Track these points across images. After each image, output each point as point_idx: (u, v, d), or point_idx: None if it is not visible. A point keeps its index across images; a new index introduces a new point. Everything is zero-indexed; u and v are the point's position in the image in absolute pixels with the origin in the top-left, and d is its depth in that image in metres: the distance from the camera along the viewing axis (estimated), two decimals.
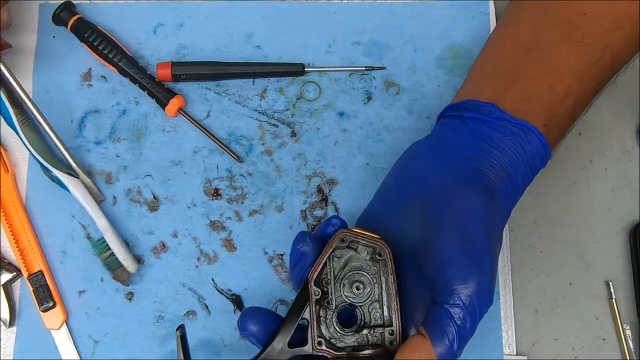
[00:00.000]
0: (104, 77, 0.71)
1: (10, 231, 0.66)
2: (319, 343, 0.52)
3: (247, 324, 0.54)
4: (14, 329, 0.66)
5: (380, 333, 0.53)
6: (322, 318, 0.52)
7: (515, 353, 0.65)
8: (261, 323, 0.54)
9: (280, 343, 0.52)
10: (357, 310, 0.53)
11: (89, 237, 0.67)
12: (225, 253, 0.67)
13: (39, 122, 0.66)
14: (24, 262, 0.66)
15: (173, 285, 0.66)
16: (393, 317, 0.53)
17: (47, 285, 0.65)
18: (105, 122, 0.70)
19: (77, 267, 0.67)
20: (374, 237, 0.53)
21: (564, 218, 0.68)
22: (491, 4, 0.72)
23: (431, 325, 0.50)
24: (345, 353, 0.52)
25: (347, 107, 0.70)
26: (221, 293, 0.66)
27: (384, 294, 0.53)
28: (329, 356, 0.52)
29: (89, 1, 0.73)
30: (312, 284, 0.52)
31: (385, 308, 0.53)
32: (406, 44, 0.72)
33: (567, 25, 0.58)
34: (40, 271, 0.66)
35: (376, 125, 0.70)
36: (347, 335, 0.52)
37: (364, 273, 0.53)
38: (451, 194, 0.52)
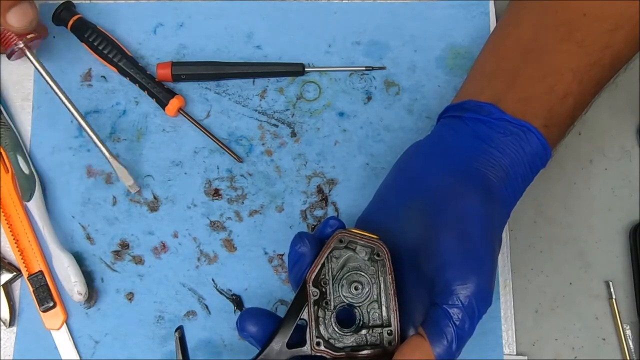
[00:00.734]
0: (104, 77, 0.71)
1: (10, 231, 0.66)
2: (318, 343, 0.52)
3: (245, 325, 0.54)
4: (14, 329, 0.66)
5: (379, 333, 0.53)
6: (320, 318, 0.53)
7: (515, 353, 0.65)
8: (260, 324, 0.54)
9: (278, 344, 0.52)
10: (356, 311, 0.53)
11: (88, 237, 0.67)
12: (225, 253, 0.67)
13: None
14: (24, 262, 0.66)
15: (173, 285, 0.66)
16: (392, 317, 0.53)
17: (47, 285, 0.65)
18: (105, 122, 0.70)
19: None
20: (372, 237, 0.53)
21: (564, 218, 0.68)
22: (491, 4, 0.72)
23: (430, 325, 0.50)
24: (344, 353, 0.52)
25: (347, 107, 0.70)
26: (221, 293, 0.66)
27: (383, 294, 0.53)
28: (327, 356, 0.52)
29: (89, 1, 0.73)
30: (310, 284, 0.53)
31: (383, 308, 0.53)
32: (406, 44, 0.72)
33: (567, 26, 0.58)
34: (40, 271, 0.66)
35: (376, 125, 0.70)
36: (346, 335, 0.52)
37: (363, 273, 0.53)
38: (451, 194, 0.53)
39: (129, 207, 0.68)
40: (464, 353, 0.62)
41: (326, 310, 0.53)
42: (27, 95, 0.71)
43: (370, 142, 0.69)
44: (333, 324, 0.52)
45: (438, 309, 0.50)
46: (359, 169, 0.69)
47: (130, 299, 0.66)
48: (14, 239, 0.66)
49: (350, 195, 0.68)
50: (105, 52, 0.69)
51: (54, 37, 0.72)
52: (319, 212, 0.68)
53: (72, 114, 0.65)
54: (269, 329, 0.53)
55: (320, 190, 0.68)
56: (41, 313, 0.65)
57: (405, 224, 0.55)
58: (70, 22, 0.70)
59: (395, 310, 0.53)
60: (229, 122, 0.70)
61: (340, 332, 0.52)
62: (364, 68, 0.71)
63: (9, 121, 0.69)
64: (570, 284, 0.67)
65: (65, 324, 0.65)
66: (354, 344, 0.53)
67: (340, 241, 0.53)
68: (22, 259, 0.66)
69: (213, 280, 0.66)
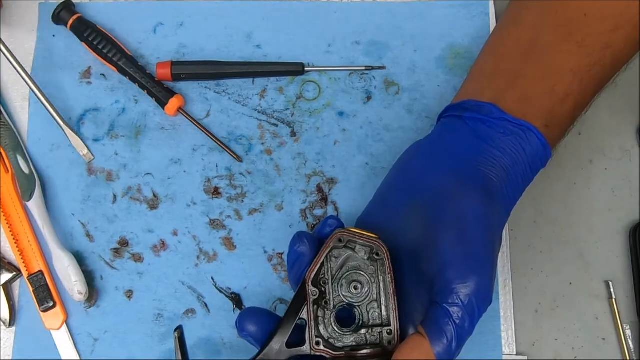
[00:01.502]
0: (103, 75, 0.71)
1: (10, 231, 0.66)
2: (317, 343, 0.52)
3: (245, 325, 0.54)
4: (13, 328, 0.66)
5: (379, 332, 0.53)
6: (320, 318, 0.52)
7: (515, 353, 0.64)
8: (259, 323, 0.54)
9: (278, 343, 0.52)
10: (356, 310, 0.53)
11: (88, 235, 0.67)
12: (224, 252, 0.67)
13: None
14: (24, 262, 0.66)
15: (172, 283, 0.66)
16: (391, 316, 0.53)
17: (47, 285, 0.65)
18: (104, 120, 0.70)
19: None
20: (372, 237, 0.53)
21: (564, 218, 0.68)
22: (491, 4, 0.72)
23: (430, 324, 0.50)
24: (343, 353, 0.52)
25: (346, 107, 0.70)
26: (221, 292, 0.66)
27: (382, 294, 0.53)
28: (327, 356, 0.52)
29: (88, 0, 0.73)
30: (310, 284, 0.52)
31: (383, 307, 0.53)
32: (406, 44, 0.72)
33: (568, 26, 0.58)
34: (40, 271, 0.65)
35: (376, 125, 0.70)
36: (346, 335, 0.52)
37: (362, 273, 0.53)
38: (451, 194, 0.52)
39: (128, 205, 0.68)
40: (464, 353, 0.62)
41: (325, 309, 0.53)
42: (26, 95, 0.71)
43: (370, 141, 0.69)
44: (333, 324, 0.52)
45: (438, 308, 0.50)
46: (358, 168, 0.69)
47: (129, 297, 0.66)
48: (13, 238, 0.66)
49: (350, 195, 0.68)
50: (105, 51, 0.69)
51: (53, 36, 0.72)
52: (318, 212, 0.68)
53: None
54: (269, 329, 0.53)
55: (320, 189, 0.68)
56: (41, 313, 0.65)
57: (405, 223, 0.55)
58: (70, 22, 0.70)
59: (395, 310, 0.53)
60: (228, 122, 0.70)
61: (339, 332, 0.52)
62: (363, 68, 0.71)
63: (9, 121, 0.69)
64: (570, 284, 0.66)
65: (65, 324, 0.65)
66: (354, 343, 0.52)
67: (340, 240, 0.53)
68: (22, 258, 0.66)
69: (212, 278, 0.66)
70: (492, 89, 0.58)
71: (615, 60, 0.59)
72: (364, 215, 0.60)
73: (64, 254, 0.65)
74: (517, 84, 0.57)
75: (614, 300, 0.65)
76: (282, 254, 0.67)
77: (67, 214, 0.68)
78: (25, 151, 0.68)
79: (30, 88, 0.67)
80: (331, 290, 0.53)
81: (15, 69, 0.67)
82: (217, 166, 0.68)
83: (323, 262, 0.53)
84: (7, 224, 0.66)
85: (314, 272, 0.53)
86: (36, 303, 0.65)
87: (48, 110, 0.67)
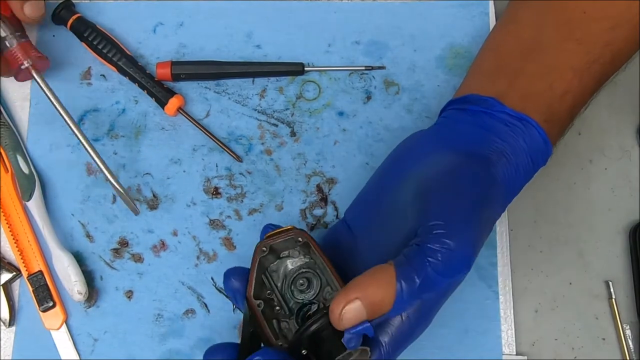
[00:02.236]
0: (103, 75, 0.71)
1: (10, 231, 0.66)
2: (280, 345, 0.51)
3: (230, 281, 0.54)
4: (13, 328, 0.66)
5: (330, 299, 0.52)
6: (285, 330, 0.52)
7: (515, 353, 0.64)
8: (245, 280, 0.53)
9: None
10: (315, 304, 0.53)
11: (88, 235, 0.67)
12: (224, 252, 0.67)
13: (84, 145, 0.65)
14: (23, 262, 0.66)
15: (172, 283, 0.66)
16: (336, 283, 0.52)
17: (46, 285, 0.65)
18: (104, 121, 0.70)
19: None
20: (287, 229, 0.53)
21: (564, 218, 0.68)
22: (491, 4, 0.72)
23: (401, 257, 0.48)
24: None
25: (346, 107, 0.70)
26: (220, 292, 0.66)
27: (327, 274, 0.53)
28: (285, 345, 0.51)
29: (88, 0, 0.73)
30: (252, 297, 0.52)
31: (333, 285, 0.53)
32: (406, 43, 0.72)
33: (567, 25, 0.58)
34: (40, 271, 0.66)
35: (376, 124, 0.70)
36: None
37: (305, 270, 0.53)
38: (451, 166, 0.52)
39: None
40: (464, 352, 0.62)
41: (287, 320, 0.52)
42: (26, 95, 0.71)
43: (370, 141, 0.69)
44: (298, 326, 0.52)
45: (414, 246, 0.48)
46: (358, 168, 0.69)
47: (129, 297, 0.66)
48: (13, 239, 0.66)
49: (350, 195, 0.67)
50: (105, 51, 0.69)
51: (53, 36, 0.72)
52: (318, 212, 0.68)
53: (78, 139, 0.64)
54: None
55: (319, 189, 0.68)
56: (41, 313, 0.65)
57: (400, 199, 0.54)
58: (70, 21, 0.70)
59: (335, 274, 0.52)
60: (228, 122, 0.70)
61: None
62: (363, 68, 0.71)
63: (9, 121, 0.69)
64: (570, 284, 0.66)
65: (64, 324, 0.65)
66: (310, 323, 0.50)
67: (263, 250, 0.53)
68: (21, 258, 0.66)
69: (212, 278, 0.66)
70: (494, 87, 0.58)
71: (615, 58, 0.59)
72: (357, 198, 0.60)
73: (64, 254, 0.65)
74: (518, 82, 0.57)
75: (614, 300, 0.65)
76: None
77: (66, 214, 0.68)
78: (25, 151, 0.68)
79: (81, 141, 0.65)
80: (282, 300, 0.53)
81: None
82: (217, 166, 0.68)
83: (262, 279, 0.53)
84: (7, 224, 0.66)
85: (252, 288, 0.52)
86: (36, 303, 0.65)
87: (98, 166, 0.65)
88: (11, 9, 0.66)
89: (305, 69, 0.70)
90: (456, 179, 0.51)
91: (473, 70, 0.63)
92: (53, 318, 0.65)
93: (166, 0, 0.73)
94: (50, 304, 0.65)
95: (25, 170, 0.67)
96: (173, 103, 0.68)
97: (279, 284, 0.53)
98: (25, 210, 0.67)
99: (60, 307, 0.65)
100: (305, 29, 0.72)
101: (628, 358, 0.64)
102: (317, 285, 0.53)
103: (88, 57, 0.71)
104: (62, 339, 0.65)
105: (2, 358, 0.65)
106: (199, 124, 0.68)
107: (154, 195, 0.68)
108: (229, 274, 0.54)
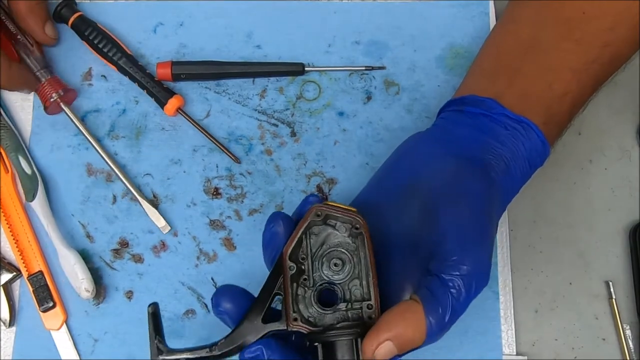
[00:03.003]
0: (104, 76, 0.71)
1: (10, 231, 0.66)
2: (295, 319, 0.50)
3: (220, 301, 0.52)
4: (13, 329, 0.66)
5: (359, 308, 0.51)
6: (300, 297, 0.51)
7: (515, 353, 0.64)
8: (235, 301, 0.52)
9: (254, 319, 0.50)
10: (337, 288, 0.51)
11: (88, 236, 0.67)
12: (224, 252, 0.67)
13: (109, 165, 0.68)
14: (23, 262, 0.66)
15: (172, 284, 0.66)
16: (371, 290, 0.51)
17: (47, 285, 0.65)
18: (105, 121, 0.70)
19: None
20: (350, 210, 0.52)
21: (564, 218, 0.68)
22: (491, 4, 0.72)
23: (425, 292, 0.49)
24: (321, 327, 0.50)
25: (346, 107, 0.70)
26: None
27: (363, 270, 0.51)
28: (304, 331, 0.50)
29: (89, 0, 0.73)
30: (287, 258, 0.51)
31: (364, 283, 0.51)
32: (406, 43, 0.72)
33: (566, 25, 0.58)
34: (40, 271, 0.65)
35: (376, 125, 0.70)
36: (327, 314, 0.51)
37: (343, 250, 0.52)
38: (453, 175, 0.53)
39: (128, 206, 0.68)
40: (464, 352, 0.62)
41: (306, 288, 0.51)
42: (26, 95, 0.71)
43: (370, 141, 0.69)
44: (314, 303, 0.51)
45: (435, 278, 0.49)
46: (358, 168, 0.69)
47: (129, 298, 0.66)
48: (13, 239, 0.66)
49: (350, 195, 0.67)
50: (105, 50, 0.69)
51: None
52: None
53: (108, 164, 0.67)
54: (244, 307, 0.52)
55: (320, 189, 0.68)
56: (41, 313, 0.65)
57: (402, 204, 0.54)
58: (71, 20, 0.70)
59: (375, 284, 0.51)
60: (228, 122, 0.70)
61: (321, 311, 0.51)
62: (363, 68, 0.71)
63: (9, 122, 0.69)
64: (570, 284, 0.66)
65: (65, 324, 0.65)
66: (334, 322, 0.51)
67: (318, 215, 0.52)
68: (22, 259, 0.66)
69: (212, 279, 0.66)
70: (493, 87, 0.58)
71: (614, 58, 0.59)
72: (357, 198, 0.60)
73: (70, 253, 0.65)
74: (517, 82, 0.57)
75: (614, 300, 0.65)
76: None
77: (67, 214, 0.68)
78: (26, 151, 0.68)
79: (111, 167, 0.68)
80: (311, 268, 0.52)
81: None
82: (217, 166, 0.68)
83: (302, 237, 0.52)
84: (7, 224, 0.66)
85: (292, 247, 0.51)
86: (36, 303, 0.65)
87: (126, 185, 0.67)
88: (29, 41, 0.68)
89: (306, 69, 0.70)
90: (462, 193, 0.52)
91: (472, 70, 0.63)
92: (53, 318, 0.65)
93: (166, 0, 0.73)
94: (51, 304, 0.65)
95: (28, 170, 0.67)
96: (172, 103, 0.68)
97: (314, 250, 0.52)
98: (26, 211, 0.67)
99: (61, 307, 0.65)
100: (305, 29, 0.72)
101: (628, 358, 0.64)
102: (348, 271, 0.52)
103: (88, 56, 0.71)
104: (62, 339, 0.65)
105: (2, 358, 0.65)
106: (197, 124, 0.68)
107: (154, 196, 0.68)
108: (220, 295, 0.53)
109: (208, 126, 0.69)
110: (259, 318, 0.50)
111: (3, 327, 0.65)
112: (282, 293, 0.51)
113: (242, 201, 0.68)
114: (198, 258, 0.67)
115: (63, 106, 0.68)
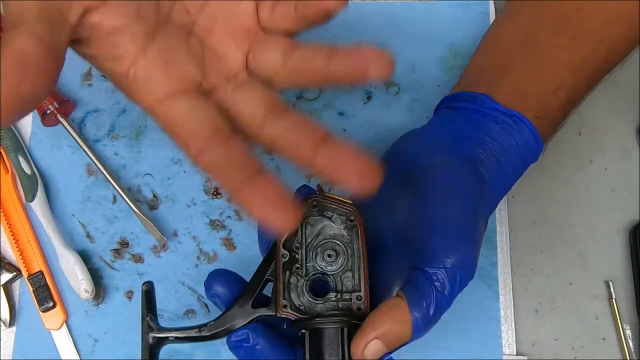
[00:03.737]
0: (104, 76, 0.71)
1: (10, 231, 0.66)
2: (284, 306, 0.50)
3: (213, 284, 0.52)
4: (13, 329, 0.66)
5: (349, 299, 0.51)
6: (292, 285, 0.51)
7: (515, 353, 0.64)
8: (227, 285, 0.52)
9: (244, 304, 0.51)
10: (329, 279, 0.51)
11: (88, 236, 0.67)
12: (225, 252, 0.67)
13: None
14: (24, 262, 0.66)
15: (172, 284, 0.66)
16: (362, 282, 0.51)
17: (47, 285, 0.65)
18: (105, 121, 0.70)
19: None
20: (346, 202, 0.52)
21: (564, 218, 0.68)
22: (491, 4, 0.72)
23: (409, 287, 0.49)
24: (309, 316, 0.50)
25: (347, 107, 0.70)
26: None
27: (355, 262, 0.52)
28: (292, 318, 0.51)
29: None
30: (281, 246, 0.51)
31: (356, 275, 0.51)
32: (406, 44, 0.72)
33: (561, 21, 0.59)
34: (40, 271, 0.66)
35: (376, 125, 0.70)
36: (318, 303, 0.51)
37: (338, 242, 0.52)
38: (443, 169, 0.52)
39: (128, 206, 0.68)
40: (464, 353, 0.62)
41: (299, 277, 0.51)
42: None
43: (370, 141, 0.69)
44: (306, 293, 0.51)
45: (419, 272, 0.49)
46: None
47: (129, 298, 0.66)
48: (13, 239, 0.66)
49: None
50: None
51: None
52: None
53: (100, 169, 0.67)
54: (237, 291, 0.52)
55: (320, 189, 0.68)
56: (41, 313, 0.65)
57: (395, 201, 0.54)
58: None
59: (366, 276, 0.51)
60: None
61: (312, 300, 0.51)
62: None
63: None
64: (570, 284, 0.66)
65: (65, 324, 0.65)
66: (324, 311, 0.51)
67: (314, 205, 0.52)
68: (22, 259, 0.66)
69: None
70: (486, 82, 0.58)
71: (610, 55, 0.59)
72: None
73: (70, 253, 0.65)
74: (510, 77, 0.57)
75: (614, 300, 0.65)
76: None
77: (67, 214, 0.68)
78: (26, 151, 0.68)
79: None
80: (305, 258, 0.52)
81: None
82: None
83: (297, 228, 0.52)
84: (7, 224, 0.66)
85: (286, 235, 0.51)
86: (36, 303, 0.65)
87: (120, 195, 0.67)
88: None
89: None
90: (450, 189, 0.51)
91: (468, 68, 0.63)
92: (53, 318, 0.65)
93: None
94: (51, 304, 0.65)
95: (28, 170, 0.67)
96: None
97: (309, 240, 0.52)
98: (26, 211, 0.67)
99: (61, 307, 0.65)
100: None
101: (628, 358, 0.64)
102: (341, 263, 0.52)
103: None
104: (62, 339, 0.65)
105: (2, 358, 0.65)
106: None
107: (154, 196, 0.68)
108: (213, 279, 0.53)
109: None
110: (249, 303, 0.51)
111: (3, 327, 0.65)
112: (273, 279, 0.51)
113: None
114: (198, 258, 0.67)
115: (60, 118, 0.67)
